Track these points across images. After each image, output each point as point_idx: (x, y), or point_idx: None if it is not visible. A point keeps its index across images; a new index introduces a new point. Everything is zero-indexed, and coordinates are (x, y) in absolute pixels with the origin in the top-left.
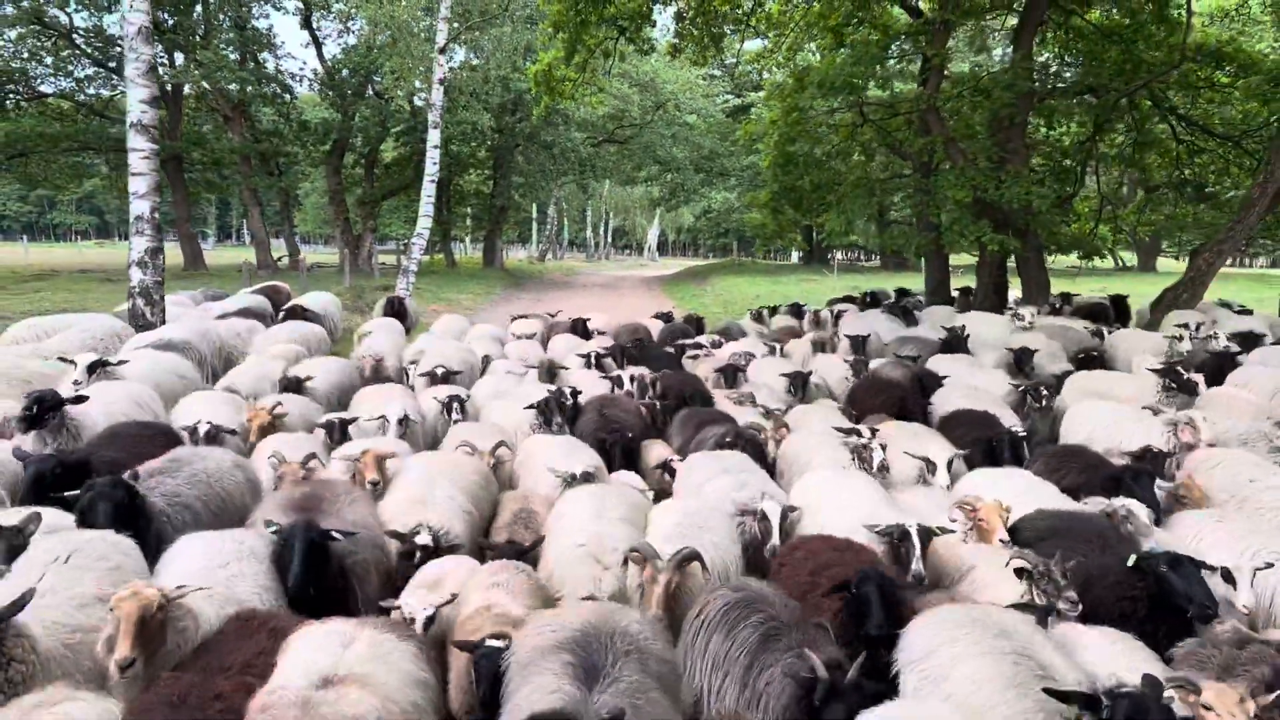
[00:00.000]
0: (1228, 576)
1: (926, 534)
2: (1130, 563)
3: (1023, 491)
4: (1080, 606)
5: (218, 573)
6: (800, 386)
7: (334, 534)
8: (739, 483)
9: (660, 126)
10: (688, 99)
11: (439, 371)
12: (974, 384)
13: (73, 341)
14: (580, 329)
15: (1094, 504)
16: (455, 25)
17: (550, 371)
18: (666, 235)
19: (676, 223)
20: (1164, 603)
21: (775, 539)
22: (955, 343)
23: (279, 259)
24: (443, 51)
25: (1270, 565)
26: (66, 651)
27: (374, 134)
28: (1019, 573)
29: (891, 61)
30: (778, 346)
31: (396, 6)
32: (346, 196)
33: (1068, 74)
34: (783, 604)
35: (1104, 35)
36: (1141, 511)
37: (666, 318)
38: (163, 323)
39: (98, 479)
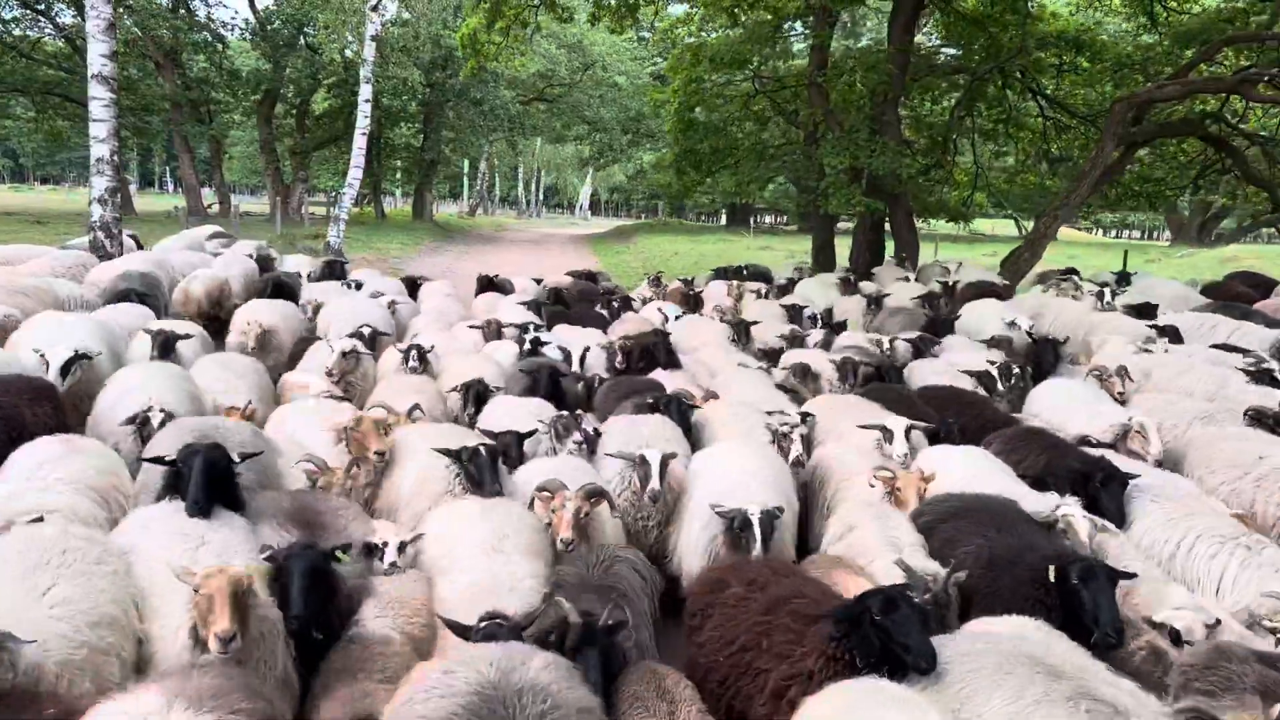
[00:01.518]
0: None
1: (769, 518)
2: (1051, 576)
3: (974, 471)
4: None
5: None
6: (744, 333)
7: (338, 553)
8: (646, 442)
9: (588, 87)
10: (615, 61)
11: (365, 332)
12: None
13: (44, 268)
14: (497, 285)
15: (1040, 502)
16: None
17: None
18: (599, 194)
19: (609, 182)
20: (1072, 615)
21: (655, 482)
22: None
23: (209, 206)
24: (375, 9)
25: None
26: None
27: (305, 85)
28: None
29: (792, 38)
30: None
31: None
32: (277, 146)
33: (940, 57)
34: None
35: (971, 21)
36: (1083, 528)
37: (588, 277)
38: (120, 254)
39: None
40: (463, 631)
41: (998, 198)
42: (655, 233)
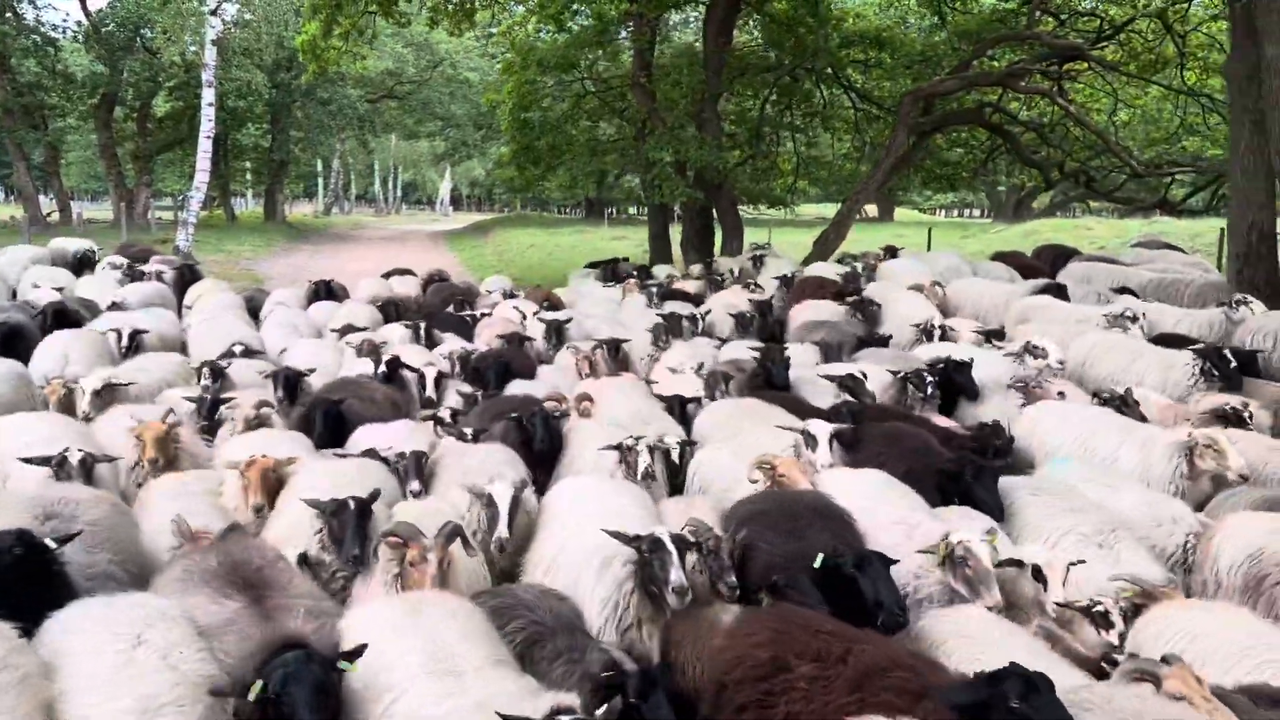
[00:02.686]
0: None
1: (681, 540)
2: (817, 564)
3: (872, 481)
4: (737, 591)
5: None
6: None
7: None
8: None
9: (439, 84)
10: (465, 58)
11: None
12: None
13: None
14: (329, 293)
15: (926, 534)
16: None
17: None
18: (460, 190)
19: (468, 177)
20: (854, 606)
21: (503, 529)
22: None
23: (48, 214)
24: (214, 12)
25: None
26: None
27: (145, 88)
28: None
29: (622, 40)
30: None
31: None
32: (119, 150)
33: (770, 56)
34: (546, 607)
35: (779, 24)
36: (984, 554)
37: (439, 278)
38: None
39: None
40: None
41: (822, 185)
42: (513, 226)
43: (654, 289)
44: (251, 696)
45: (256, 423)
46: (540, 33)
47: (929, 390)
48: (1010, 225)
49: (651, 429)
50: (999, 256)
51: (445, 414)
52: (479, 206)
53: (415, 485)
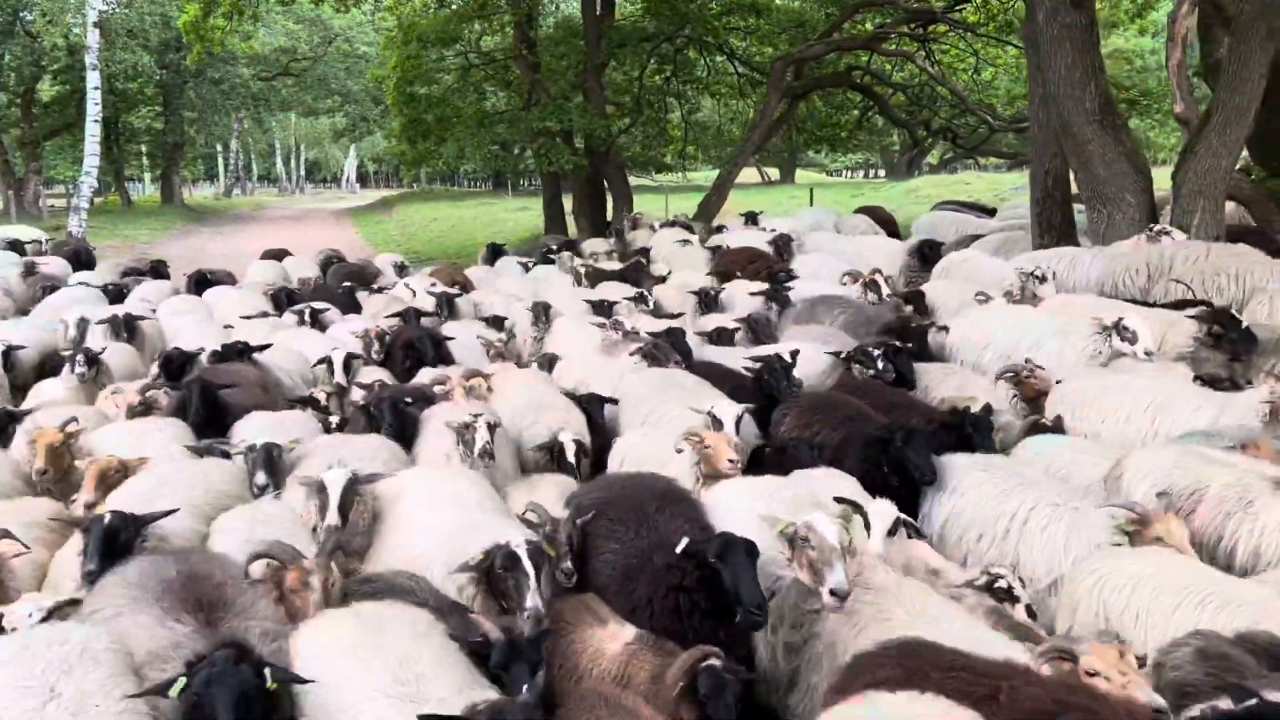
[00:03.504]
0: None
1: (538, 554)
2: (680, 548)
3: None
4: (574, 578)
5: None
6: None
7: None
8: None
9: (335, 60)
10: (359, 33)
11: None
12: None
13: None
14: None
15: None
16: None
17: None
18: (366, 167)
19: (372, 152)
20: (717, 600)
21: (333, 515)
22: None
23: None
24: None
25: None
26: None
27: (28, 73)
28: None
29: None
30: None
31: None
32: (4, 137)
33: (630, 29)
34: (424, 589)
35: None
36: (829, 533)
37: (335, 259)
38: None
39: None
40: None
41: (712, 150)
42: (418, 201)
43: (579, 267)
44: (171, 693)
45: (143, 409)
46: (428, 9)
47: (880, 365)
48: (899, 182)
49: (546, 419)
50: (862, 210)
51: (321, 397)
52: (387, 183)
53: (261, 478)
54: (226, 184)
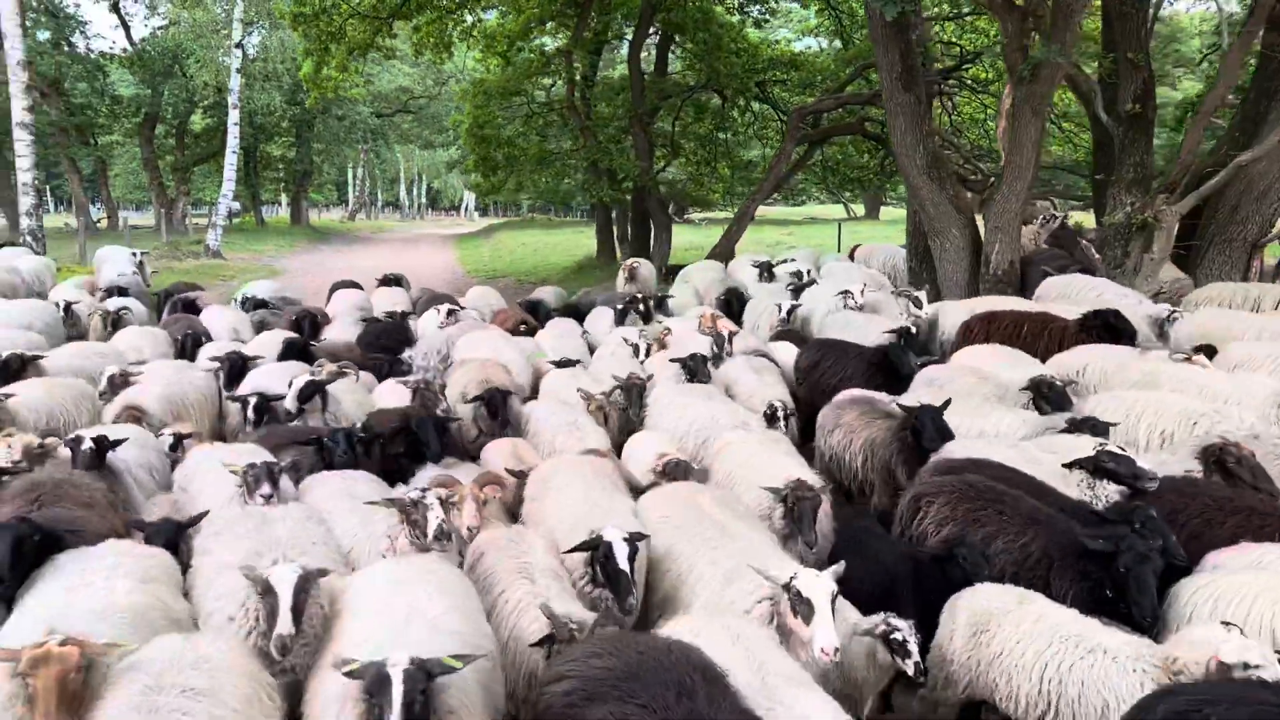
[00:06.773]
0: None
1: (416, 678)
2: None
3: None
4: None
5: None
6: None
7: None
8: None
9: (448, 99)
10: (473, 72)
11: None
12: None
13: None
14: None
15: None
16: (247, 25)
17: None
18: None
19: None
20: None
21: (285, 623)
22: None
23: (98, 221)
24: (238, 45)
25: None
26: None
27: (182, 108)
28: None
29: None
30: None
31: (196, 11)
32: (160, 163)
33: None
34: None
35: (694, 55)
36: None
37: (394, 280)
38: (44, 252)
39: None
40: None
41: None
42: (517, 228)
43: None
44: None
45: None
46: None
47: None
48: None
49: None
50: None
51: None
52: (504, 212)
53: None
54: (352, 208)
